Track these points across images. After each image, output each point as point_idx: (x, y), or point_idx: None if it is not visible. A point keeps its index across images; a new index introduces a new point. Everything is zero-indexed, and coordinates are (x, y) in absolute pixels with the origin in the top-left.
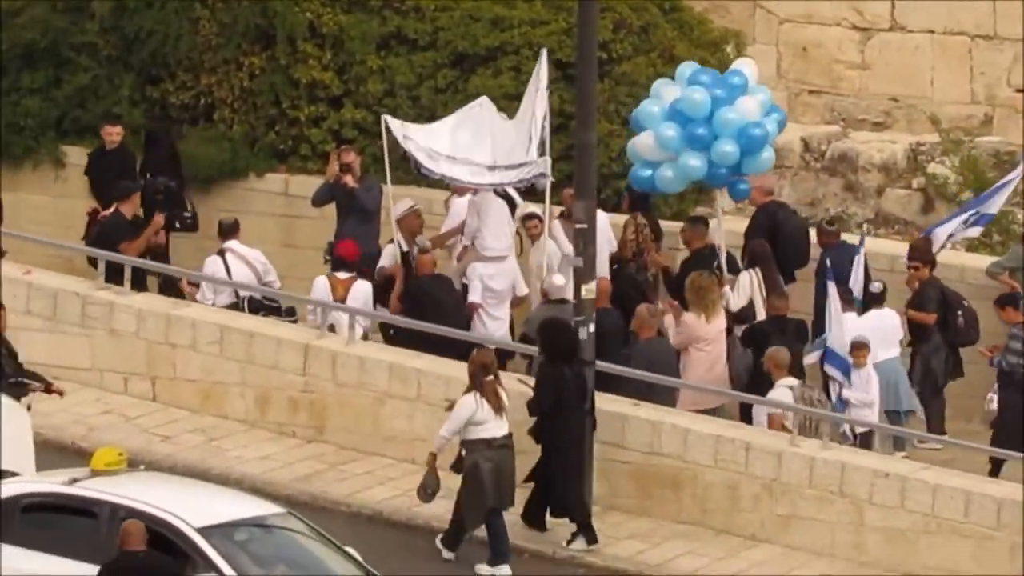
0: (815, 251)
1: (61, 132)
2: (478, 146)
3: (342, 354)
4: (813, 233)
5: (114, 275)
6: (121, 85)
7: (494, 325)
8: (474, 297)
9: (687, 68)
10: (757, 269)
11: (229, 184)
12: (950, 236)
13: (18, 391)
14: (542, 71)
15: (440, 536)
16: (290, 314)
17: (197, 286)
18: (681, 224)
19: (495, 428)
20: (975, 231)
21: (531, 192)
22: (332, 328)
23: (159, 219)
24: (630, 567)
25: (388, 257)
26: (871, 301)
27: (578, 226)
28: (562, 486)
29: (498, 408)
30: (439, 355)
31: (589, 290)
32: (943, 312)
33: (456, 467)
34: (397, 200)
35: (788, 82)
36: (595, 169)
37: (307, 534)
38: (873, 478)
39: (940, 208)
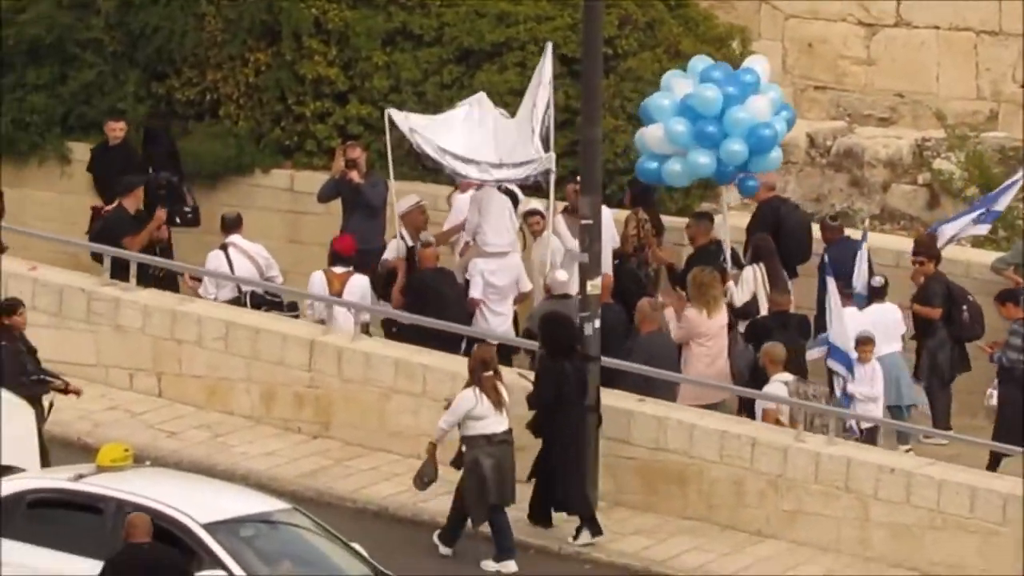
0: (818, 246)
1: (66, 128)
2: (484, 144)
3: (348, 350)
4: (816, 228)
5: (119, 271)
6: (126, 81)
7: (496, 321)
8: (475, 293)
9: (699, 62)
10: (761, 264)
11: (235, 180)
12: (955, 234)
13: (40, 388)
14: (546, 65)
15: (437, 532)
16: (292, 309)
17: (199, 280)
18: (686, 220)
19: (495, 424)
20: (983, 228)
21: (534, 187)
22: (322, 322)
23: (161, 214)
24: (636, 563)
25: (392, 251)
26: (872, 295)
27: (584, 222)
28: (563, 481)
29: (498, 404)
30: (442, 349)
31: (595, 286)
32: (948, 307)
33: (456, 463)
34: (401, 196)
35: (794, 78)
36: (600, 165)
37: (313, 530)
38: (879, 474)
39: (945, 204)
